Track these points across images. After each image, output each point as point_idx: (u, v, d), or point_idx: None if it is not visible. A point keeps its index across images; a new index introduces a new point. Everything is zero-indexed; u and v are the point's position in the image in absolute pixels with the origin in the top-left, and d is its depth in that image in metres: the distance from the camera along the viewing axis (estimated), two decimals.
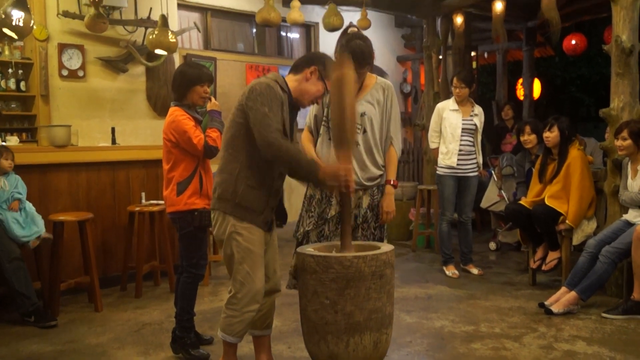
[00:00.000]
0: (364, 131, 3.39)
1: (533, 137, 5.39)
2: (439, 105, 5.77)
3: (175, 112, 3.64)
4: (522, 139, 5.50)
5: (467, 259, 5.74)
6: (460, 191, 5.58)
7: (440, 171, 5.60)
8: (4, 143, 4.79)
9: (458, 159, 5.46)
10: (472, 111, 5.57)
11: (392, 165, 3.49)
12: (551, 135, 4.94)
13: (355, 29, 3.44)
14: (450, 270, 5.60)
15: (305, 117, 3.68)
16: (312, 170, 2.81)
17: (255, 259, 2.95)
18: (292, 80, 3.00)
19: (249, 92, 2.86)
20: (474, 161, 5.56)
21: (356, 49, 3.26)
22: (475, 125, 5.53)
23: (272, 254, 3.15)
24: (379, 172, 3.47)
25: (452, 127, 5.51)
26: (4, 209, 4.35)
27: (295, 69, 3.03)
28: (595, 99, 13.79)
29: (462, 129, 5.49)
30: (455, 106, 5.56)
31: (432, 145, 5.73)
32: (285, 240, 7.47)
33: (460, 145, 5.47)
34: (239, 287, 2.96)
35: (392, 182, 3.44)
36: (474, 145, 5.55)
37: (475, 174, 5.59)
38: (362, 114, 3.38)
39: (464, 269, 5.71)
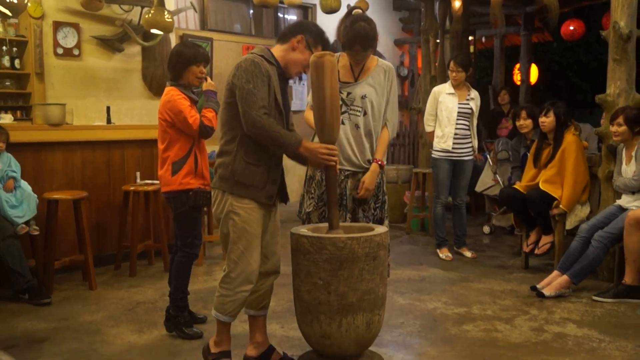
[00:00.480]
0: (364, 113, 3.38)
1: (529, 122, 5.40)
2: (435, 88, 5.76)
3: (171, 91, 3.63)
4: (517, 123, 5.51)
5: (461, 242, 5.77)
6: (455, 175, 5.59)
7: (435, 154, 5.61)
8: None
9: (453, 143, 5.47)
10: (469, 95, 5.57)
11: (382, 146, 3.46)
12: (547, 120, 4.95)
13: (360, 11, 3.39)
14: (444, 253, 5.63)
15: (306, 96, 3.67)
16: (293, 145, 2.82)
17: (250, 239, 2.95)
18: (279, 51, 2.99)
19: (235, 69, 2.88)
20: (470, 145, 5.57)
21: (360, 31, 3.23)
22: (471, 109, 5.53)
23: (272, 235, 3.13)
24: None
25: (448, 111, 5.50)
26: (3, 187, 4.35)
27: (282, 38, 3.01)
28: (593, 85, 13.76)
29: (458, 112, 5.49)
30: (452, 90, 5.55)
31: (428, 129, 5.73)
32: (281, 221, 7.50)
33: (456, 129, 5.47)
34: (233, 266, 2.96)
35: (378, 161, 3.41)
36: (469, 129, 5.56)
37: (471, 157, 5.60)
38: (363, 97, 3.36)
39: (458, 252, 5.74)
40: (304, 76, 8.75)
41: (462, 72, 5.50)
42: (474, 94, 5.61)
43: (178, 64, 3.65)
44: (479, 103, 5.63)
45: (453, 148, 5.48)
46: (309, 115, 3.41)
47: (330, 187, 2.94)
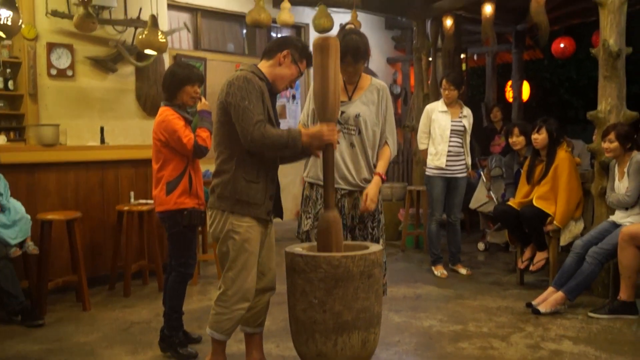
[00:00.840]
0: (359, 132, 3.37)
1: (521, 138, 5.43)
2: (428, 106, 5.79)
3: (165, 111, 3.64)
4: (510, 140, 5.54)
5: (456, 259, 5.77)
6: (449, 192, 5.61)
7: (429, 172, 5.63)
8: None
9: (447, 160, 5.49)
10: (461, 113, 5.60)
11: (383, 160, 3.45)
12: (539, 137, 4.98)
13: (353, 26, 3.42)
14: (439, 270, 5.63)
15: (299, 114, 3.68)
16: (296, 140, 2.85)
17: (248, 257, 2.98)
18: (265, 66, 3.03)
19: (228, 87, 2.90)
20: (463, 162, 5.59)
21: (352, 44, 3.24)
22: (464, 126, 5.56)
23: (268, 251, 3.16)
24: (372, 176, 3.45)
25: (441, 129, 5.53)
26: None
27: (268, 54, 3.06)
28: (584, 101, 13.84)
29: (451, 130, 5.52)
30: (444, 108, 5.59)
31: (421, 146, 5.75)
32: (275, 240, 7.48)
33: (449, 146, 5.50)
34: (230, 284, 2.97)
35: (381, 175, 3.39)
36: (462, 147, 5.58)
37: (464, 174, 5.62)
38: (357, 116, 3.35)
39: (453, 269, 5.74)
40: (297, 95, 8.79)
41: (455, 90, 5.54)
42: (467, 111, 5.65)
43: (172, 84, 3.67)
44: (471, 120, 5.66)
45: (447, 165, 5.50)
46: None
47: (328, 168, 2.96)
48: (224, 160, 2.98)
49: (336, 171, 3.23)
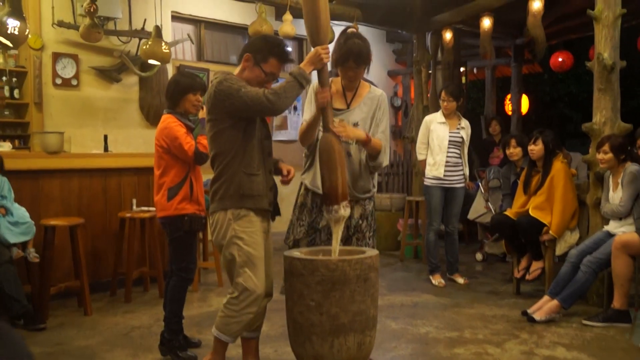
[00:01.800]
0: (356, 141, 3.30)
1: (518, 150, 5.51)
2: (427, 117, 5.89)
3: (167, 119, 3.73)
4: (507, 151, 5.62)
5: (454, 268, 5.84)
6: (447, 202, 5.68)
7: (427, 182, 5.71)
8: None
9: (445, 170, 5.58)
10: (459, 124, 5.69)
11: (375, 140, 3.31)
12: (536, 149, 5.06)
13: (354, 30, 3.43)
14: (437, 279, 5.69)
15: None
16: (303, 75, 2.98)
17: (256, 262, 3.05)
18: (236, 73, 3.12)
19: (216, 94, 2.97)
20: (461, 173, 5.67)
21: (354, 48, 3.24)
22: (462, 137, 5.65)
23: (267, 258, 3.20)
24: (370, 186, 3.43)
25: (440, 139, 5.62)
26: None
27: (238, 60, 3.17)
28: (583, 115, 13.98)
29: (449, 141, 5.61)
30: (443, 119, 5.68)
31: (420, 157, 5.84)
32: (275, 249, 7.55)
33: (447, 157, 5.59)
34: (241, 289, 3.03)
35: (367, 134, 3.26)
36: (460, 157, 5.67)
37: (462, 185, 5.70)
38: (355, 124, 3.33)
39: (450, 278, 5.80)
40: (298, 106, 8.89)
41: (453, 101, 5.63)
42: (465, 123, 5.74)
43: (175, 92, 3.76)
44: (469, 132, 5.75)
45: (445, 175, 5.58)
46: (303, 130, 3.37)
47: (326, 111, 3.09)
48: (225, 165, 3.06)
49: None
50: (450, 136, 5.62)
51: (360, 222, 3.41)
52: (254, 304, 3.04)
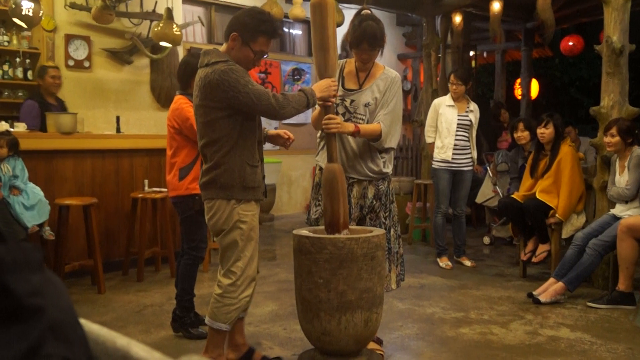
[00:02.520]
0: (367, 121, 3.35)
1: (526, 133, 5.54)
2: (436, 101, 5.92)
3: (179, 100, 3.79)
4: (515, 135, 5.65)
5: (461, 251, 5.90)
6: (455, 185, 5.73)
7: (435, 165, 5.76)
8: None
9: (453, 153, 5.62)
10: (468, 107, 5.72)
11: (368, 125, 3.31)
12: (547, 132, 5.08)
13: (369, 12, 3.33)
14: (444, 262, 5.76)
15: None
16: (313, 96, 3.00)
17: (254, 245, 3.08)
18: (223, 50, 2.96)
19: (217, 85, 2.83)
20: (469, 156, 5.71)
21: (368, 30, 3.20)
22: (470, 121, 5.68)
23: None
24: (381, 166, 3.42)
25: (448, 122, 5.66)
26: (10, 193, 4.50)
27: (225, 36, 2.97)
28: (594, 100, 13.93)
29: (458, 124, 5.64)
30: (451, 102, 5.71)
31: (428, 140, 5.88)
32: (285, 232, 7.63)
33: (456, 140, 5.63)
34: (240, 273, 3.04)
35: (357, 126, 3.24)
36: (469, 140, 5.70)
37: (470, 168, 5.74)
38: (367, 104, 3.35)
39: (457, 261, 5.86)
40: None
41: (462, 85, 5.66)
42: (473, 106, 5.77)
43: (186, 74, 3.82)
44: (478, 115, 5.78)
45: (452, 158, 5.63)
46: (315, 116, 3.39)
47: (330, 147, 3.10)
48: (226, 152, 2.95)
49: (346, 160, 3.33)
50: (458, 119, 5.65)
51: (374, 202, 3.44)
52: (250, 286, 3.07)
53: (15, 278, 0.74)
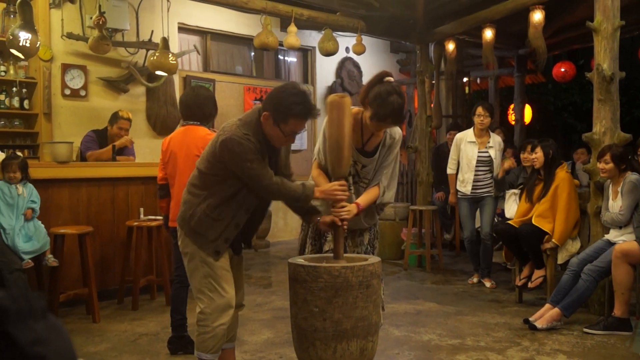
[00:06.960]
0: (369, 181, 3.37)
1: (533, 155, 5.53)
2: (458, 135, 6.26)
3: (202, 130, 3.93)
4: (522, 156, 5.75)
5: (484, 273, 6.15)
6: (480, 211, 6.09)
7: (458, 194, 6.14)
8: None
9: (472, 187, 5.98)
10: (488, 143, 5.98)
11: (367, 195, 3.29)
12: (537, 157, 5.14)
13: (391, 79, 3.20)
14: (473, 280, 6.18)
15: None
16: (308, 197, 2.97)
17: (218, 271, 2.99)
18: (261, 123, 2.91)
19: (223, 149, 2.84)
20: (489, 186, 6.00)
21: (396, 107, 3.05)
22: (489, 156, 5.97)
23: (237, 269, 3.19)
24: (377, 217, 3.51)
25: (468, 159, 6.01)
26: (16, 217, 4.49)
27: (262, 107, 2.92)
28: (587, 125, 14.02)
29: (478, 160, 5.97)
30: (473, 138, 6.01)
31: (449, 171, 6.29)
32: (280, 258, 7.61)
33: (475, 175, 5.98)
34: (207, 301, 2.99)
35: (358, 205, 3.19)
36: (489, 172, 5.99)
37: (491, 194, 6.02)
38: (364, 167, 3.34)
39: (480, 281, 6.15)
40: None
41: (489, 117, 5.96)
42: (493, 141, 6.02)
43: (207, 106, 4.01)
44: (499, 147, 6.05)
45: (471, 192, 5.99)
46: (316, 173, 3.33)
47: (338, 243, 3.10)
48: (199, 184, 2.98)
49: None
50: (478, 156, 5.97)
51: (369, 247, 3.50)
52: (223, 314, 2.99)
53: (20, 327, 0.75)
